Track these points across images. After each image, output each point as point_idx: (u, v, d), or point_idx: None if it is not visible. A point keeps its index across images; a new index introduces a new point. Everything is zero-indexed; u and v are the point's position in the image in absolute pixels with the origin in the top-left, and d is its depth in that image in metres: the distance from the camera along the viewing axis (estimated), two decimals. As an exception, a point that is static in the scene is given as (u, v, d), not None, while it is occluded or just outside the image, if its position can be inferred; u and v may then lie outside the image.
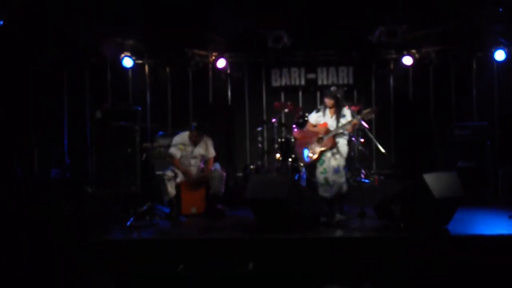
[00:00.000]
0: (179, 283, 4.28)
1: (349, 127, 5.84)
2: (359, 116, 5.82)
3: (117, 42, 8.07)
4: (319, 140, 5.93)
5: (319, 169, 5.92)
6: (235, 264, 4.35)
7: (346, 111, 5.98)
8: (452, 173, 5.24)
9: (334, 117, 5.96)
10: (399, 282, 4.35)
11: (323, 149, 5.88)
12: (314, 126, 6.11)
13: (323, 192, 5.88)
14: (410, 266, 4.40)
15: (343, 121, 5.89)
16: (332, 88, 6.17)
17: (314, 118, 6.15)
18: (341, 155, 5.85)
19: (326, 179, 5.86)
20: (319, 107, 6.24)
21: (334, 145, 5.85)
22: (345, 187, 5.89)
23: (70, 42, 7.67)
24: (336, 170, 5.80)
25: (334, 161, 5.83)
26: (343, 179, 5.86)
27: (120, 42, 8.09)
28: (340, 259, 4.51)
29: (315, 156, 5.91)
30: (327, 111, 6.04)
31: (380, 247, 4.59)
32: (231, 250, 4.63)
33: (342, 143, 5.93)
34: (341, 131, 5.88)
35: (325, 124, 5.97)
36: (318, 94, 8.90)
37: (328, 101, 5.99)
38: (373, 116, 5.89)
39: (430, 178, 4.85)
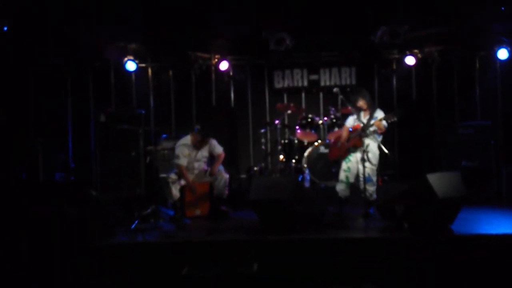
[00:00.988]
0: (183, 286, 4.29)
1: (377, 123, 5.85)
2: (382, 119, 5.86)
3: (120, 46, 8.12)
4: (348, 139, 6.07)
5: (343, 166, 6.07)
6: (240, 265, 4.36)
7: (379, 113, 6.03)
8: (455, 172, 5.23)
9: (367, 118, 6.03)
10: (402, 282, 4.35)
11: (347, 147, 6.01)
12: (349, 129, 6.21)
13: (339, 190, 6.04)
14: (414, 266, 4.40)
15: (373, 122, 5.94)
16: (335, 89, 6.20)
17: (350, 122, 6.25)
18: (371, 162, 5.84)
19: (347, 178, 6.00)
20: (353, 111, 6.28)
21: (358, 145, 5.90)
22: (374, 196, 5.92)
23: (73, 46, 7.72)
24: (367, 179, 5.81)
25: (365, 169, 5.79)
26: (373, 188, 5.92)
27: (123, 46, 8.13)
28: (344, 259, 4.51)
29: (338, 155, 6.11)
30: (362, 114, 6.12)
31: (384, 248, 4.59)
32: (236, 251, 4.64)
33: (372, 146, 5.94)
34: (371, 129, 5.88)
35: (358, 125, 6.06)
36: (321, 95, 8.92)
37: (361, 104, 6.06)
38: (395, 119, 5.89)
39: (433, 178, 4.84)
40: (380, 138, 6.00)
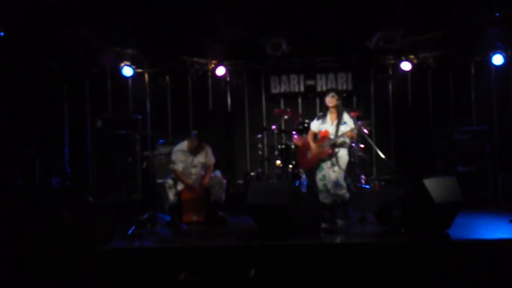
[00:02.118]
0: (180, 291, 4.28)
1: (349, 134, 5.81)
2: (354, 130, 5.81)
3: (116, 51, 8.11)
4: (319, 148, 5.96)
5: (318, 175, 5.98)
6: (237, 271, 4.35)
7: (347, 118, 5.95)
8: (451, 177, 5.25)
9: (334, 123, 5.94)
10: (399, 287, 4.35)
11: (321, 157, 5.92)
12: (316, 133, 6.12)
13: (323, 199, 5.94)
14: (411, 271, 4.40)
15: (342, 128, 5.87)
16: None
17: (315, 125, 6.13)
18: (340, 167, 5.86)
19: (325, 186, 5.92)
20: (319, 114, 6.24)
21: (333, 154, 5.86)
22: (347, 196, 5.92)
23: (70, 52, 7.70)
24: (337, 184, 5.84)
25: (333, 173, 5.87)
26: (343, 191, 5.91)
27: (119, 51, 8.12)
28: (341, 264, 4.50)
29: (311, 166, 6.02)
30: (328, 118, 6.02)
31: (381, 253, 4.59)
32: (233, 257, 4.64)
33: (342, 153, 5.92)
34: (341, 139, 5.86)
35: (326, 132, 5.97)
36: (318, 100, 8.94)
37: (329, 100, 5.94)
38: (368, 129, 5.98)
39: (430, 183, 4.85)
40: (348, 142, 6.00)
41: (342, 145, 5.93)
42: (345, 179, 6.09)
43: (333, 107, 5.96)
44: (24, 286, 4.46)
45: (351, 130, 5.81)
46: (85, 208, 5.27)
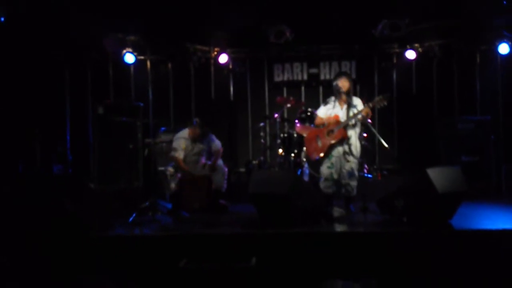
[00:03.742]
0: (181, 279, 4.26)
1: (360, 116, 5.59)
2: (371, 104, 5.59)
3: (118, 38, 8.06)
4: (330, 133, 5.69)
5: (326, 163, 5.71)
6: (238, 259, 4.33)
7: (357, 101, 5.75)
8: (455, 167, 5.20)
9: (344, 107, 5.72)
10: (402, 277, 4.34)
11: (333, 141, 5.64)
12: (323, 119, 5.87)
13: (325, 188, 5.74)
14: (413, 261, 4.38)
15: (354, 111, 5.62)
16: (334, 83, 6.10)
17: (323, 111, 5.89)
18: (354, 156, 5.63)
19: (332, 175, 5.69)
20: (327, 99, 5.97)
21: (345, 137, 5.61)
22: (355, 191, 5.72)
23: (71, 38, 7.65)
24: (350, 174, 5.62)
25: (347, 163, 5.63)
26: (356, 182, 5.70)
27: (121, 38, 8.07)
28: (343, 254, 4.48)
29: (322, 154, 5.73)
30: (337, 103, 5.79)
31: (383, 242, 4.56)
32: (234, 245, 4.62)
33: (354, 138, 5.69)
34: (353, 121, 5.65)
35: (336, 116, 5.71)
36: (321, 88, 8.89)
37: (343, 83, 5.70)
38: (385, 103, 5.56)
39: (433, 173, 4.80)
40: (359, 130, 5.81)
41: (353, 126, 5.69)
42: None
43: (347, 90, 5.71)
44: (24, 273, 4.46)
45: (360, 112, 5.55)
46: (86, 195, 5.26)
